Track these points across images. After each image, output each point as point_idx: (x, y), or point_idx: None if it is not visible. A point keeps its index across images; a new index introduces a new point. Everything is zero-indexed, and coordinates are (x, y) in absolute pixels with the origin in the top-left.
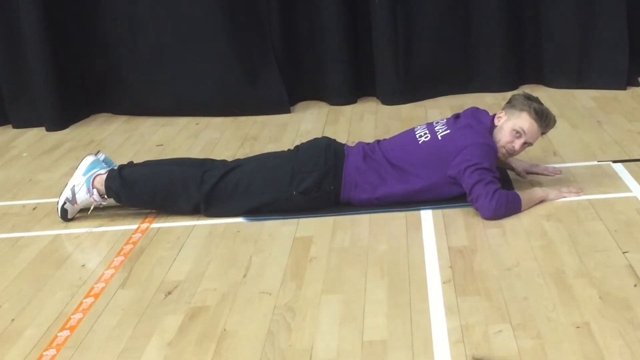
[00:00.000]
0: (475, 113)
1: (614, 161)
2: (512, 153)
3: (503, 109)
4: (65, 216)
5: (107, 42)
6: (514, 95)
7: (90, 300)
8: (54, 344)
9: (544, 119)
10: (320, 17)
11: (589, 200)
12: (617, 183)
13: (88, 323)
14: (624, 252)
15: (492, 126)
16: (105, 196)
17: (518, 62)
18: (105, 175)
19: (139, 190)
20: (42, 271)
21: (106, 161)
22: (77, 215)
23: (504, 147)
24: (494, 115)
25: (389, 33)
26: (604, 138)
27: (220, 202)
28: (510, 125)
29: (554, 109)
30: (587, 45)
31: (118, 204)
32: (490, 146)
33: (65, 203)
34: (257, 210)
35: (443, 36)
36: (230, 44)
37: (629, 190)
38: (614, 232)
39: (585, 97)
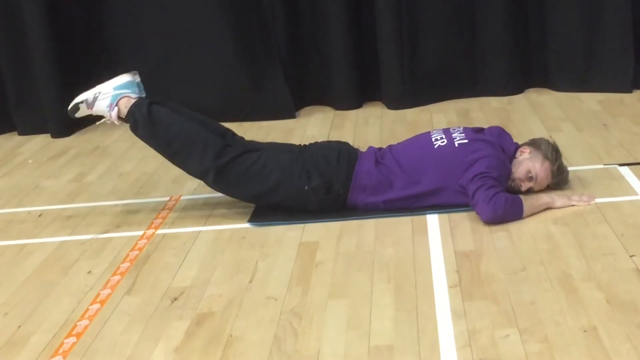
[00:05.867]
0: (502, 135)
1: (621, 164)
2: (514, 190)
3: (528, 145)
4: (73, 113)
5: (112, 48)
6: (543, 139)
7: (96, 306)
8: (61, 350)
9: (560, 177)
10: (325, 22)
11: (595, 203)
12: (623, 186)
13: (94, 329)
14: (631, 256)
15: (513, 155)
16: (123, 118)
17: (523, 66)
18: (134, 100)
19: (160, 132)
20: (48, 278)
21: (139, 86)
22: (83, 221)
23: (512, 180)
24: (517, 144)
25: (393, 38)
26: (610, 141)
27: (231, 177)
28: (530, 166)
29: (559, 113)
30: (592, 48)
31: (123, 210)
32: (505, 164)
33: (82, 102)
34: (265, 196)
35: (448, 40)
36: (235, 49)
37: (636, 194)
38: (621, 236)
39: (591, 100)
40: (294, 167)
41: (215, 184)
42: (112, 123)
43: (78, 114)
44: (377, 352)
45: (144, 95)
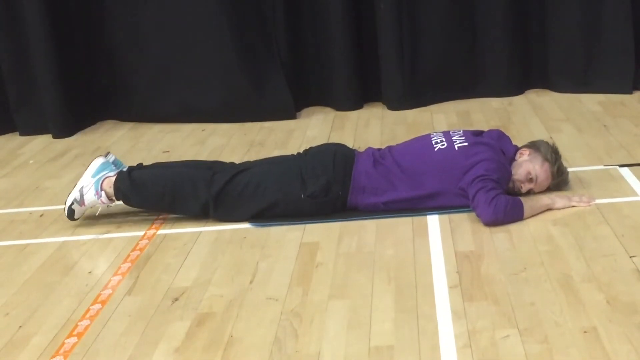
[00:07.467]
0: (501, 138)
1: (621, 165)
2: (515, 193)
3: (528, 147)
4: (72, 216)
5: (113, 49)
6: (542, 141)
7: (97, 307)
8: (61, 350)
9: (560, 178)
10: (326, 23)
11: (596, 204)
12: (624, 187)
13: (95, 330)
14: (631, 257)
15: (513, 158)
16: (114, 198)
17: (524, 67)
18: (114, 178)
19: (148, 192)
20: (49, 278)
21: (115, 163)
22: (84, 221)
23: (513, 183)
24: (516, 146)
25: (394, 38)
26: (610, 142)
27: (228, 203)
28: (530, 167)
29: (560, 114)
30: (592, 49)
31: (125, 209)
32: (505, 166)
33: (73, 203)
34: (265, 212)
35: (449, 41)
36: (236, 50)
37: (636, 195)
38: (621, 237)
39: (591, 102)
40: (288, 177)
41: (216, 214)
42: (108, 206)
43: (76, 215)
44: (378, 353)
45: (124, 168)
